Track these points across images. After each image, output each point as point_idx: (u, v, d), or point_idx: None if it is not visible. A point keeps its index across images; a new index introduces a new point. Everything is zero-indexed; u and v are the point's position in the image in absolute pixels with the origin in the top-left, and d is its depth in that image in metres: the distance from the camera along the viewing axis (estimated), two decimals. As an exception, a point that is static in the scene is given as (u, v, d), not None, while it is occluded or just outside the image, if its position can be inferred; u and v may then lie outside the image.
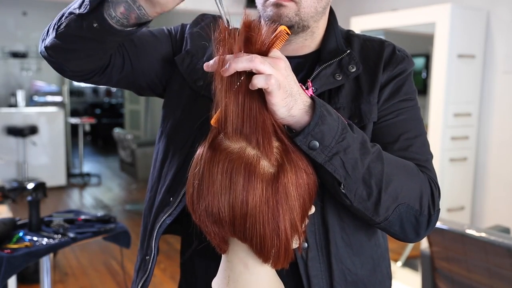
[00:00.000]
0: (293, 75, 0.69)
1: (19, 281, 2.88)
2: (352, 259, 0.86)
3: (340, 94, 0.87)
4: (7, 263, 1.76)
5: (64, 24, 0.74)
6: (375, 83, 0.87)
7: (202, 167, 0.66)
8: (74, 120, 6.70)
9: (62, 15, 0.76)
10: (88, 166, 7.31)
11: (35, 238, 1.95)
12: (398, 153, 0.82)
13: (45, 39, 0.82)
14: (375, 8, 3.75)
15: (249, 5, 3.79)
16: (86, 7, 0.69)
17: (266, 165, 0.65)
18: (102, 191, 5.99)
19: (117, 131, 5.27)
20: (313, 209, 0.71)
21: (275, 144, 0.67)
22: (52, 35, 0.78)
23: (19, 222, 2.08)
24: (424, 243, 2.62)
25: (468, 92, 2.90)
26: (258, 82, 0.63)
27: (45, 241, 1.94)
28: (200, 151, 0.69)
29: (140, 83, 0.95)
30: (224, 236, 0.67)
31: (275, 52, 0.67)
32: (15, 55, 6.94)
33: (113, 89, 10.16)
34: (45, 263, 2.09)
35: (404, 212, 0.77)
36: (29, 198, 2.05)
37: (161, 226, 0.88)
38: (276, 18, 0.83)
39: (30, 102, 6.91)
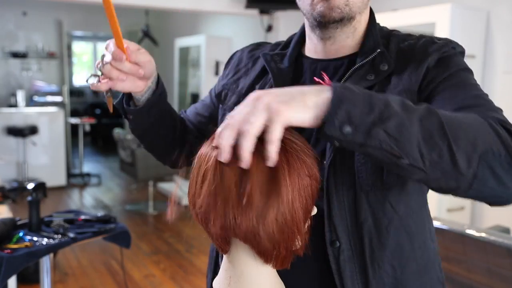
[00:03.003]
0: (276, 89, 0.64)
1: (19, 281, 2.88)
2: (391, 263, 0.83)
3: None
4: (7, 263, 1.76)
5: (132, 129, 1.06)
6: (414, 80, 0.83)
7: (204, 167, 0.66)
8: (74, 120, 6.70)
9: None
10: (88, 166, 7.30)
11: (35, 238, 1.95)
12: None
13: None
14: (375, 8, 3.73)
15: (249, 5, 3.79)
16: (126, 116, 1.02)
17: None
18: (102, 191, 5.99)
19: (117, 131, 5.27)
20: (315, 210, 0.71)
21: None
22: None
23: (19, 222, 2.08)
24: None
25: (468, 92, 2.89)
26: (272, 153, 0.60)
27: (45, 241, 1.93)
28: (203, 150, 0.69)
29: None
30: (226, 236, 0.67)
31: (252, 94, 0.63)
32: (15, 55, 6.93)
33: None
34: (45, 263, 2.09)
35: (492, 160, 0.64)
36: (29, 198, 2.05)
37: None
38: (328, 12, 0.85)
39: (30, 102, 6.91)
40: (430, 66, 0.83)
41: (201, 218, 0.67)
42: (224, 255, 0.72)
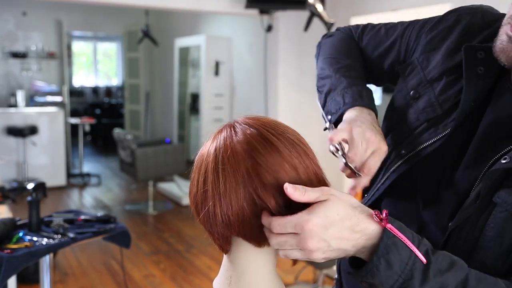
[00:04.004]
0: (337, 225, 0.61)
1: (19, 281, 2.88)
2: None
3: None
4: (7, 263, 1.76)
5: None
6: None
7: (205, 166, 0.66)
8: (74, 120, 6.70)
9: None
10: (88, 166, 7.30)
11: (35, 238, 1.95)
12: None
13: None
14: (375, 8, 3.75)
15: (249, 5, 3.79)
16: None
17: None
18: (102, 191, 5.99)
19: (117, 131, 5.28)
20: None
21: None
22: None
23: (19, 222, 2.08)
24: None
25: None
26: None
27: (45, 241, 1.93)
28: (203, 150, 0.68)
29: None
30: (228, 236, 0.67)
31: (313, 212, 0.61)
32: (15, 55, 6.94)
33: (113, 89, 10.16)
34: (45, 263, 2.09)
35: None
36: (29, 198, 2.05)
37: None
38: (499, 53, 0.73)
39: (30, 102, 6.91)
40: None
41: (202, 218, 0.67)
42: (224, 255, 0.72)
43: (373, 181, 0.94)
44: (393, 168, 0.88)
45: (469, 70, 0.78)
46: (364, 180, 0.80)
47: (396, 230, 0.62)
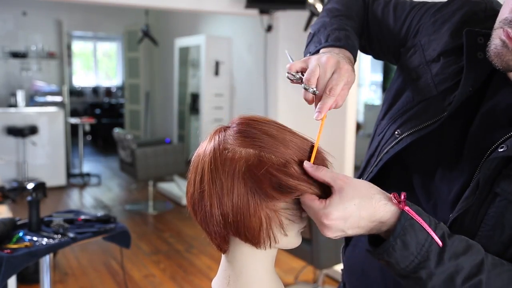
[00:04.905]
0: (353, 214, 0.64)
1: (19, 281, 2.88)
2: None
3: None
4: (7, 263, 1.76)
5: None
6: None
7: (202, 166, 0.66)
8: (74, 120, 6.70)
9: None
10: (88, 166, 7.30)
11: (35, 238, 1.95)
12: None
13: None
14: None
15: (249, 5, 3.79)
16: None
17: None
18: (102, 191, 5.99)
19: (117, 131, 5.28)
20: None
21: None
22: None
23: (19, 222, 2.08)
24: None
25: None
26: None
27: (45, 241, 1.93)
28: (200, 150, 0.69)
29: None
30: (225, 236, 0.67)
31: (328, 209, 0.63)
32: (15, 55, 6.94)
33: (113, 89, 10.16)
34: (45, 263, 2.09)
35: None
36: (29, 198, 2.05)
37: None
38: (493, 57, 0.73)
39: (30, 102, 6.92)
40: None
41: (199, 218, 0.67)
42: (222, 255, 0.72)
43: (368, 164, 0.95)
44: (386, 149, 0.87)
45: (469, 54, 0.79)
46: (329, 101, 0.73)
47: (414, 213, 0.64)
